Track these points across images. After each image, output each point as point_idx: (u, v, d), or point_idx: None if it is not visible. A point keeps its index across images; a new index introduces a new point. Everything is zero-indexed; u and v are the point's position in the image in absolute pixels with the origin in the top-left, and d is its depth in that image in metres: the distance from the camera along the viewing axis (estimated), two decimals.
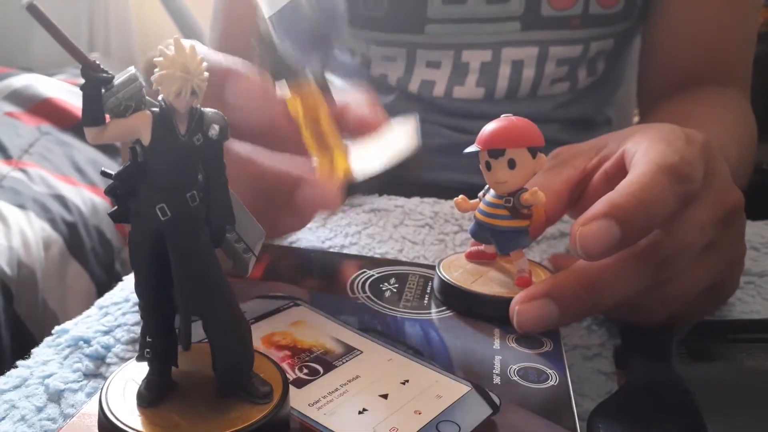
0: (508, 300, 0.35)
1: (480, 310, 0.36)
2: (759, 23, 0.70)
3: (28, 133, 1.12)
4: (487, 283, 0.37)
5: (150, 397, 0.25)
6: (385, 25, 0.67)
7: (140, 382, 0.25)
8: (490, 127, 0.36)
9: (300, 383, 0.29)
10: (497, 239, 0.37)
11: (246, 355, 0.25)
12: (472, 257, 0.40)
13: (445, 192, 0.57)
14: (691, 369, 0.33)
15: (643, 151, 0.35)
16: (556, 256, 0.44)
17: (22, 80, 1.25)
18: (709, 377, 0.32)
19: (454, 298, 0.37)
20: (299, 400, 0.28)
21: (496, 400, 0.29)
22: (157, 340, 0.25)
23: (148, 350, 0.25)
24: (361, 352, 0.32)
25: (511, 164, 0.35)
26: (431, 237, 0.50)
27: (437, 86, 0.69)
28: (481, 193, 0.38)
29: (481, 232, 0.38)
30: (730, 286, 0.39)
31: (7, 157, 1.03)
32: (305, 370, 0.30)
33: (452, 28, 0.66)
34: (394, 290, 0.39)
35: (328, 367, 0.30)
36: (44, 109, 1.20)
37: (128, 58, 1.54)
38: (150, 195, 0.23)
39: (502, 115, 0.37)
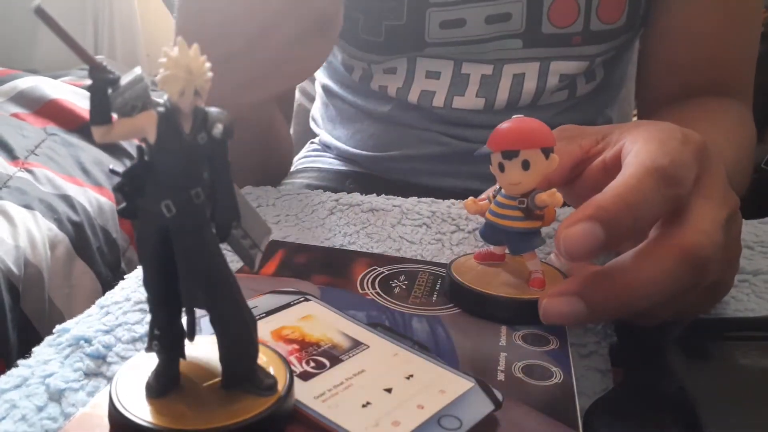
0: (524, 302, 0.35)
1: (495, 312, 0.36)
2: (760, 33, 0.70)
3: (34, 134, 1.13)
4: (500, 285, 0.38)
5: (158, 388, 0.25)
6: (384, 50, 0.67)
7: (149, 374, 0.26)
8: (502, 129, 0.36)
9: (306, 376, 0.30)
10: (510, 240, 0.37)
11: (250, 348, 0.26)
12: (481, 259, 0.40)
13: (445, 197, 0.57)
14: (687, 367, 0.33)
15: (635, 151, 0.35)
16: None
17: (27, 82, 1.26)
18: (704, 375, 0.33)
19: (469, 300, 0.37)
20: (305, 393, 0.28)
21: (499, 396, 0.29)
22: (165, 333, 0.25)
23: (156, 342, 0.25)
24: (368, 346, 0.32)
25: (525, 165, 0.35)
26: (428, 236, 0.50)
27: (437, 96, 0.69)
28: (490, 195, 0.38)
29: (491, 233, 0.38)
30: (727, 285, 0.39)
31: (14, 158, 1.03)
32: (312, 364, 0.31)
33: (452, 49, 0.66)
34: (404, 287, 0.39)
35: (335, 360, 0.31)
36: (50, 111, 1.21)
37: (133, 60, 1.55)
38: (156, 192, 0.23)
39: (514, 116, 0.37)
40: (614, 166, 0.37)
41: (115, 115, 0.23)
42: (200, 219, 0.24)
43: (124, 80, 0.23)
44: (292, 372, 0.27)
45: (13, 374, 0.33)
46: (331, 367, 0.31)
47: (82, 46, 0.23)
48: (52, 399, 0.31)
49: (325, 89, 0.79)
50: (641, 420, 0.30)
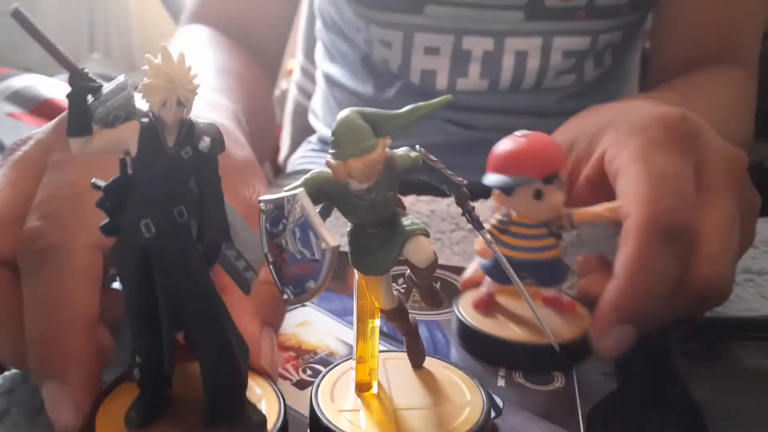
0: (544, 347, 0.32)
1: (518, 361, 0.32)
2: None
3: (29, 133, 1.12)
4: (519, 327, 0.33)
5: (138, 421, 0.24)
6: (383, 3, 0.65)
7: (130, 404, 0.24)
8: (532, 151, 0.32)
9: (303, 385, 0.30)
10: (541, 273, 0.33)
11: (237, 382, 0.24)
12: (485, 307, 0.35)
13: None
14: (690, 367, 0.33)
15: (628, 196, 0.33)
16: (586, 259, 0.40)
17: (22, 81, 1.25)
18: (708, 376, 0.33)
19: (487, 348, 0.32)
20: (301, 402, 0.28)
21: (500, 402, 0.29)
22: (147, 361, 0.23)
23: (137, 371, 0.23)
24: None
25: (560, 185, 0.32)
26: None
27: (439, 77, 0.68)
28: (487, 236, 0.32)
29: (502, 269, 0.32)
30: (748, 239, 0.38)
31: None
32: (309, 372, 0.31)
33: (452, 11, 0.65)
34: (402, 291, 0.38)
35: None
36: (45, 110, 1.20)
37: (128, 58, 1.54)
38: (136, 209, 0.22)
39: (518, 134, 0.32)
40: (600, 181, 0.36)
41: (96, 126, 0.21)
42: (183, 239, 0.22)
43: (107, 88, 0.22)
44: (286, 409, 0.26)
45: (7, 377, 0.32)
46: (329, 369, 0.30)
47: (61, 51, 0.21)
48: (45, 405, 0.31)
49: (327, 78, 0.78)
50: (645, 422, 0.29)
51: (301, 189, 0.23)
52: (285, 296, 0.23)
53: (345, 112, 0.24)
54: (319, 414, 0.26)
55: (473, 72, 0.67)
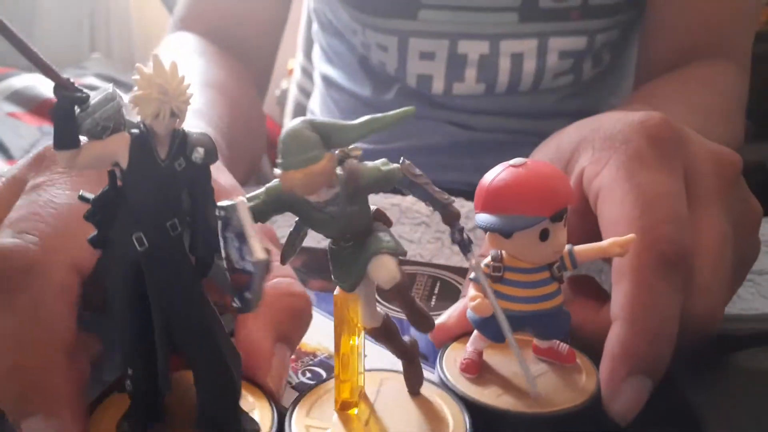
0: (549, 417, 0.28)
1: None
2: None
3: (29, 133, 1.12)
4: (517, 394, 0.28)
5: None
6: (377, 8, 0.65)
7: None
8: (537, 187, 0.27)
9: (302, 388, 0.29)
10: (544, 326, 0.29)
11: (230, 392, 0.24)
12: (472, 371, 0.30)
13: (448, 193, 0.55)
14: (690, 370, 0.31)
15: (618, 225, 0.30)
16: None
17: (23, 80, 1.25)
18: (707, 379, 0.32)
19: (484, 421, 0.27)
20: None
21: None
22: (139, 372, 0.23)
23: (128, 382, 0.23)
24: (365, 356, 0.31)
25: (566, 221, 0.28)
26: (428, 235, 0.49)
27: (435, 82, 0.67)
28: (472, 279, 0.28)
29: (497, 323, 0.27)
30: (752, 252, 0.35)
31: (9, 158, 1.03)
32: (308, 375, 0.30)
33: (447, 15, 0.64)
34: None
35: (332, 371, 0.30)
36: (45, 110, 1.20)
37: (129, 58, 1.53)
38: (127, 223, 0.21)
39: (513, 163, 0.28)
40: (585, 207, 0.33)
41: (84, 138, 0.21)
42: (177, 253, 0.22)
43: (94, 99, 0.21)
44: (280, 417, 0.26)
45: None
46: (327, 378, 0.29)
47: (45, 61, 0.21)
48: None
49: (325, 79, 0.77)
50: (644, 426, 0.28)
51: (241, 199, 0.22)
52: (234, 304, 0.22)
53: (293, 122, 0.23)
54: (286, 423, 0.26)
55: (469, 76, 0.66)
